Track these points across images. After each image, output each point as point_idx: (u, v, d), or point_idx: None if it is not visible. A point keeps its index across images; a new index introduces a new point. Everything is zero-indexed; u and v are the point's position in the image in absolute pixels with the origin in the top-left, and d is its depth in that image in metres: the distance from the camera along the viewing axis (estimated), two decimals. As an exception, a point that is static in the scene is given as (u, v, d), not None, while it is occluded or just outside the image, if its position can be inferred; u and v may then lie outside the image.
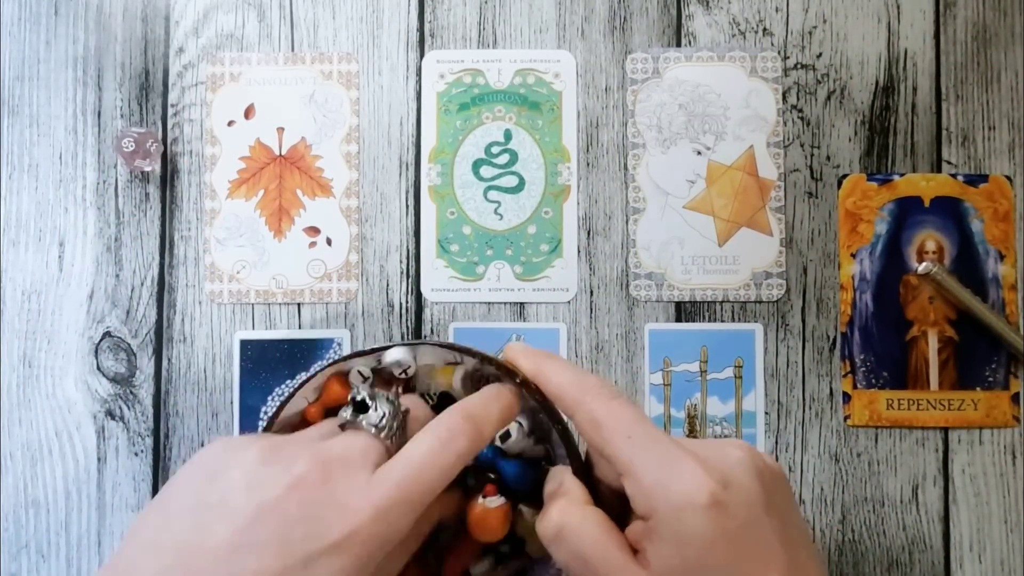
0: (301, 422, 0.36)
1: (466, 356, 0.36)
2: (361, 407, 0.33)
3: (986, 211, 0.54)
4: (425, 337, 0.53)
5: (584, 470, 0.35)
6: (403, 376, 0.37)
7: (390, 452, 0.32)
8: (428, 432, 0.32)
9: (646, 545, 0.30)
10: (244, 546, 0.29)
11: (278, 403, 0.37)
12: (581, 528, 0.31)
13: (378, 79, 0.55)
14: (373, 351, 0.37)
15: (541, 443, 0.37)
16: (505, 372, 0.35)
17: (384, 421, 0.32)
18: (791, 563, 0.29)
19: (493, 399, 0.34)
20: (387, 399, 0.33)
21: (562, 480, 0.34)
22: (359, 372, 0.36)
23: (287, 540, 0.29)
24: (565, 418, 0.35)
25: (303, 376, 0.39)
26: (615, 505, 0.33)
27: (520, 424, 0.36)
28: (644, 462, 0.30)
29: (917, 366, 0.53)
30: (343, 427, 0.33)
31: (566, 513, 0.31)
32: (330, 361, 0.37)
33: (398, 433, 0.32)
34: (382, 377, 0.37)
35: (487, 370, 0.36)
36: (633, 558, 0.30)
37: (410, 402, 0.35)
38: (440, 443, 0.31)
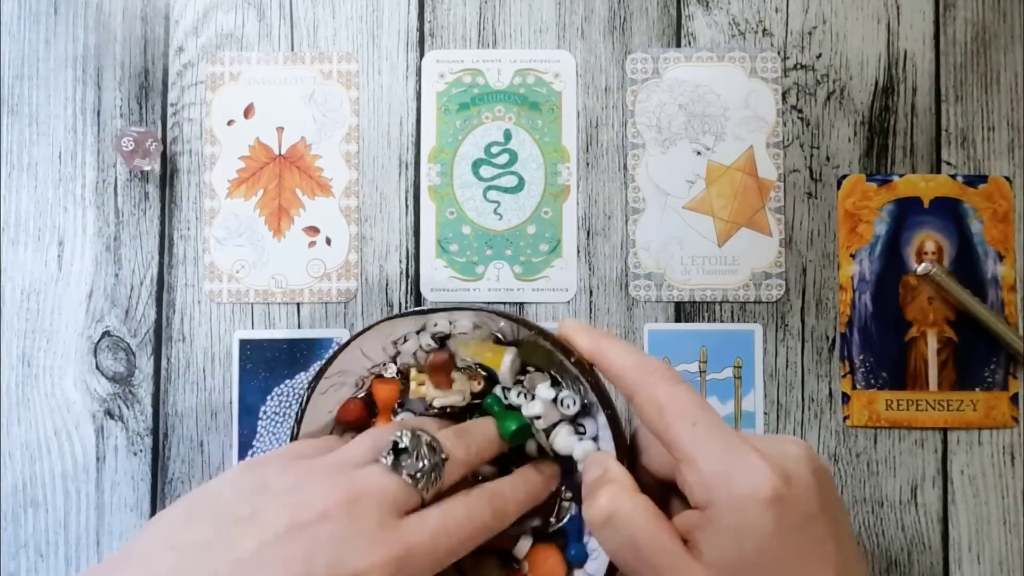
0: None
1: (522, 329, 0.36)
2: (402, 451, 0.33)
3: (985, 212, 0.54)
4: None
5: (628, 456, 0.34)
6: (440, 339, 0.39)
7: (423, 500, 0.33)
8: (463, 501, 0.34)
9: (699, 535, 0.29)
10: (269, 559, 0.29)
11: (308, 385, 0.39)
12: (632, 515, 0.30)
13: (378, 79, 0.55)
14: (423, 312, 0.38)
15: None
16: (560, 349, 0.35)
17: (422, 473, 0.33)
18: (844, 563, 0.29)
19: (522, 483, 0.37)
20: (430, 446, 0.34)
21: (607, 467, 0.33)
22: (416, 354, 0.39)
23: (311, 561, 0.30)
24: (615, 401, 0.35)
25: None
26: (657, 494, 0.32)
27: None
28: (707, 451, 0.30)
29: (916, 367, 0.53)
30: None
31: (616, 499, 0.31)
32: (377, 320, 0.38)
33: (434, 484, 0.33)
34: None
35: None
36: (684, 547, 0.29)
37: (438, 426, 0.37)
38: (471, 514, 0.34)
